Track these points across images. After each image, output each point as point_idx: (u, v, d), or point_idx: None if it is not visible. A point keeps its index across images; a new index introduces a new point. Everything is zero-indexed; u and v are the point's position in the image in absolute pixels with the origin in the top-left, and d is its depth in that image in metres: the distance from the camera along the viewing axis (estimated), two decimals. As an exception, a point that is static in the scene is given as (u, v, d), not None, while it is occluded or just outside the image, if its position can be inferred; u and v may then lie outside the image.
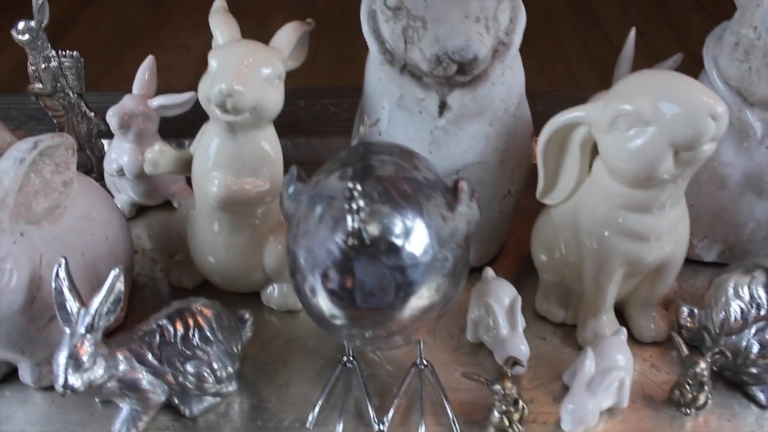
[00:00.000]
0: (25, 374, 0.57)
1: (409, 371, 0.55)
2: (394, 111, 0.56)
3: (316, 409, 0.54)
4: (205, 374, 0.52)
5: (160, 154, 0.57)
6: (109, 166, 0.69)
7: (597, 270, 0.55)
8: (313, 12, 1.07)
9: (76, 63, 0.69)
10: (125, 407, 0.53)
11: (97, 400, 0.56)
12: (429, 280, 0.43)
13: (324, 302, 0.43)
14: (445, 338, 0.59)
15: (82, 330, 0.48)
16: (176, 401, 0.54)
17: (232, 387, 0.54)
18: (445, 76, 0.51)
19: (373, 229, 0.40)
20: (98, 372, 0.48)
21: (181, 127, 0.73)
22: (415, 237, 0.42)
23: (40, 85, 0.70)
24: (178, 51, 1.00)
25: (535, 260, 0.62)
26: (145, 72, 0.69)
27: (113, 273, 0.48)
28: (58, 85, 0.70)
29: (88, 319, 0.48)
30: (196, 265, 0.62)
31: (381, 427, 0.52)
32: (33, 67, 0.69)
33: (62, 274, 0.49)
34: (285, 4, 1.10)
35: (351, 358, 0.56)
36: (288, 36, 0.56)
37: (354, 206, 0.39)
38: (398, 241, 0.41)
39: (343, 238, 0.40)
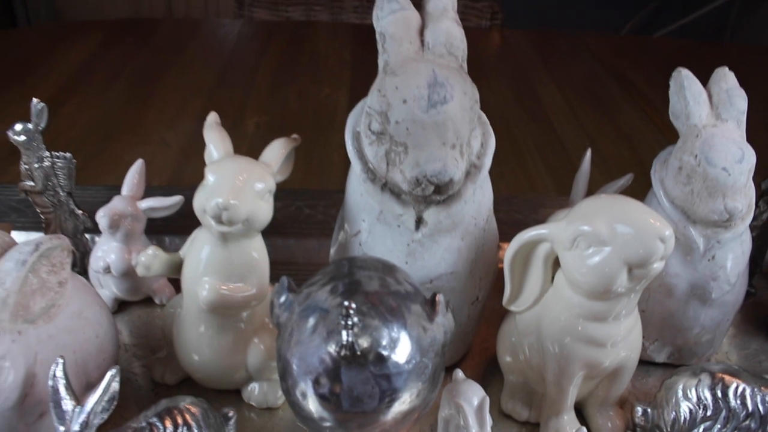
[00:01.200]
0: None
1: (384, 469, 0.59)
2: (374, 224, 0.61)
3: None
4: (192, 473, 0.54)
5: (153, 258, 0.60)
6: (96, 263, 0.71)
7: (559, 373, 0.60)
8: (285, 113, 1.13)
9: (68, 164, 0.73)
10: (111, 504, 0.55)
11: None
12: (411, 386, 0.47)
13: (314, 405, 0.47)
14: (417, 436, 0.63)
15: (76, 428, 0.50)
16: (160, 499, 0.56)
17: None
18: (422, 195, 0.56)
19: (364, 342, 0.44)
20: None
21: (163, 225, 0.77)
22: (399, 348, 0.46)
23: (32, 183, 0.73)
24: (156, 146, 1.04)
25: (501, 362, 0.66)
26: (134, 175, 0.73)
27: (110, 373, 0.51)
28: (49, 183, 0.73)
29: (82, 418, 0.50)
30: (180, 363, 0.64)
31: None
32: (26, 166, 0.72)
33: (59, 373, 0.51)
34: (258, 105, 1.16)
35: (329, 456, 0.59)
36: (277, 152, 0.61)
37: (349, 323, 0.43)
38: (385, 352, 0.45)
39: (336, 349, 0.44)
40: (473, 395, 0.60)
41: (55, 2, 2.65)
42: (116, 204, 0.70)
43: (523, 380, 0.65)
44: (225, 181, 0.55)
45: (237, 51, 1.47)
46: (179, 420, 0.55)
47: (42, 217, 0.76)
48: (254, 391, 0.65)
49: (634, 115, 1.22)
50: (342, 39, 1.52)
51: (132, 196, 0.72)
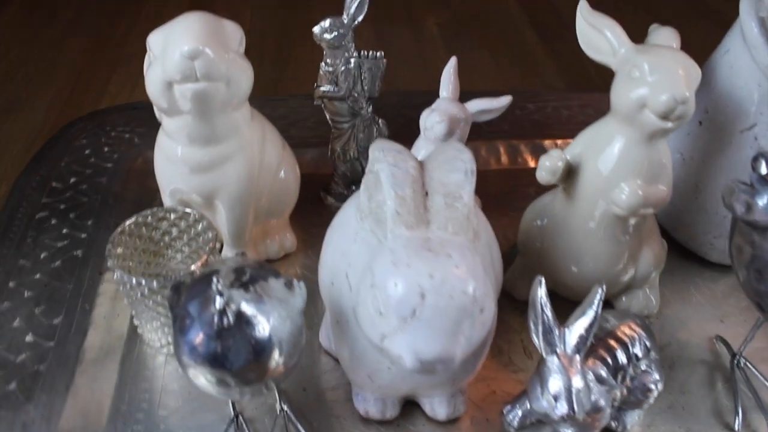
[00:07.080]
0: (440, 409, 0.54)
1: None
2: (775, 119, 0.56)
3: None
4: (652, 387, 0.50)
5: (561, 162, 0.54)
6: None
7: None
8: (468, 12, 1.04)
9: (377, 64, 0.64)
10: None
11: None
12: None
13: None
14: None
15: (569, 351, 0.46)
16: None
17: (652, 400, 0.53)
18: None
19: None
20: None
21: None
22: None
23: (331, 87, 0.65)
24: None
25: None
26: (450, 73, 0.63)
27: (599, 292, 0.46)
28: (354, 87, 0.65)
29: (575, 340, 0.46)
30: (546, 275, 0.59)
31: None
32: (330, 69, 0.63)
33: (542, 293, 0.46)
34: (434, 3, 1.06)
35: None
36: (672, 43, 0.55)
37: None
38: None
39: None
40: None
41: None
42: (448, 107, 0.62)
43: None
44: (674, 74, 0.49)
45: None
46: (635, 336, 0.51)
47: (332, 126, 0.68)
48: (632, 299, 0.61)
49: None
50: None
51: (454, 97, 0.64)
